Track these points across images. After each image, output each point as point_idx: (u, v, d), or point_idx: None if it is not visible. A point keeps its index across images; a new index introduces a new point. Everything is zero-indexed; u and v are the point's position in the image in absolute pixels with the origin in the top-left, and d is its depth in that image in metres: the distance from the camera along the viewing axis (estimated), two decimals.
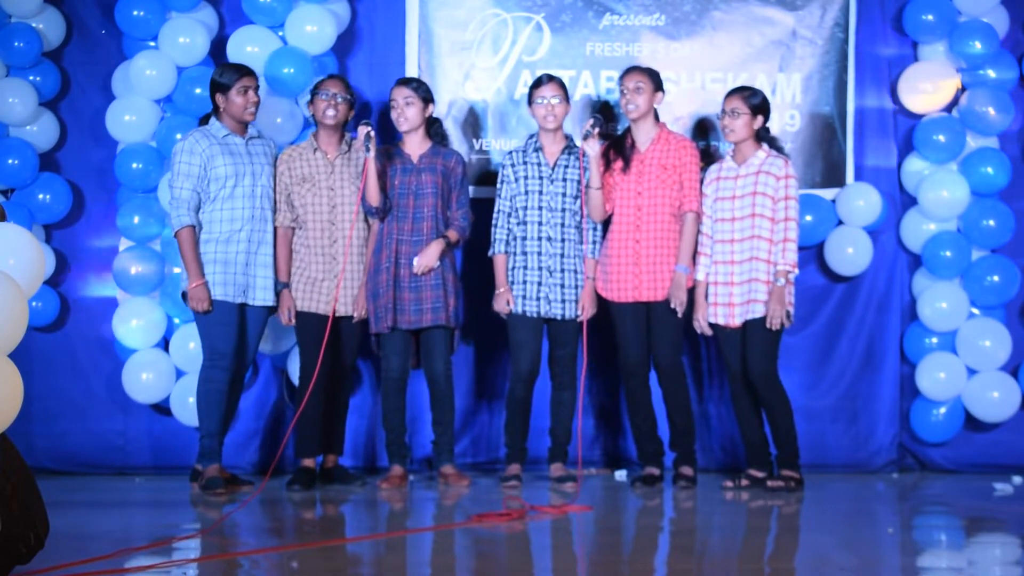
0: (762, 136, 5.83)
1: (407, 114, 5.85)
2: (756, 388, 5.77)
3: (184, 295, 5.76)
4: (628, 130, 5.95)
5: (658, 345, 5.87)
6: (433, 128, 5.96)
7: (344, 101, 5.86)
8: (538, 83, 5.89)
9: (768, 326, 5.68)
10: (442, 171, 5.87)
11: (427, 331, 5.86)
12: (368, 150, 5.67)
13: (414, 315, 5.80)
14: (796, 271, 5.75)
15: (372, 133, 5.67)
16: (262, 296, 5.76)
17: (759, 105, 5.79)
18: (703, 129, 6.38)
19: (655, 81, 5.86)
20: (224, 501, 5.41)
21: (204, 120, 5.84)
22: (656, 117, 5.92)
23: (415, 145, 5.92)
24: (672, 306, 5.80)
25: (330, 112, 5.83)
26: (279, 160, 5.89)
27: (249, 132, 5.79)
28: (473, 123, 6.40)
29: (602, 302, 5.93)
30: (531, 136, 5.99)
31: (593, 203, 5.85)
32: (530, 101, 5.91)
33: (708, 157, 6.24)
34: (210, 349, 5.69)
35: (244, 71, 5.73)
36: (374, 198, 5.76)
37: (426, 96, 5.88)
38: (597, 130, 5.74)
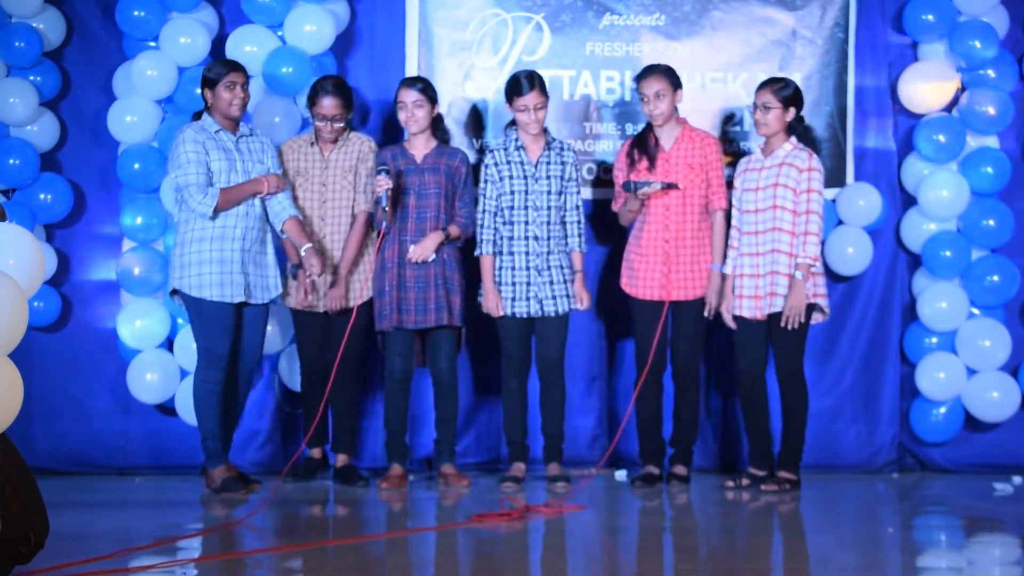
0: (794, 128, 5.80)
1: (417, 116, 5.83)
2: (780, 385, 5.76)
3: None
4: (649, 127, 5.91)
5: (679, 343, 5.86)
6: (437, 126, 5.95)
7: (340, 120, 5.87)
8: (518, 90, 5.77)
9: (783, 324, 5.66)
10: (446, 171, 5.86)
11: (433, 330, 5.87)
12: (383, 204, 5.68)
13: (419, 315, 5.80)
14: (817, 264, 5.72)
15: (390, 193, 5.68)
16: (262, 295, 5.73)
17: (790, 97, 5.74)
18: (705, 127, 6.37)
19: (674, 81, 5.81)
20: (243, 501, 5.42)
21: (197, 116, 5.78)
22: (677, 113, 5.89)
23: (420, 145, 5.90)
24: (705, 312, 5.80)
25: (328, 134, 5.88)
26: (282, 151, 5.93)
27: (241, 130, 5.74)
28: (473, 123, 6.39)
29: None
30: (509, 128, 5.92)
31: (631, 208, 5.84)
32: (509, 102, 5.83)
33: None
34: (206, 350, 5.64)
35: (232, 66, 5.66)
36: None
37: (433, 96, 5.87)
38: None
